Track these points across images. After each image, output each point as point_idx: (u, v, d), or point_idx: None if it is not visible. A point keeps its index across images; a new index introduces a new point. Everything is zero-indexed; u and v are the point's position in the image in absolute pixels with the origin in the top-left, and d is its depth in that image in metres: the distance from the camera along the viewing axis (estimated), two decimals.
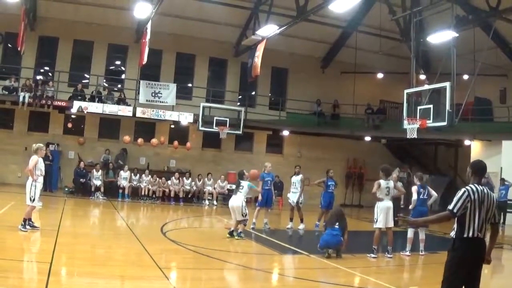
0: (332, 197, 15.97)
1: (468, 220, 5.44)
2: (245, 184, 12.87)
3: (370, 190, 11.76)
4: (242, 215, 12.59)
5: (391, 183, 11.62)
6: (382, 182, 11.45)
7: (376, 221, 11.35)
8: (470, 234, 5.43)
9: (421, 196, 12.03)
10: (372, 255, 11.05)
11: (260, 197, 15.05)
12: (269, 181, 15.24)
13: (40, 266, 8.03)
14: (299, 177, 15.85)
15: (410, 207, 12.39)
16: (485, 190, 5.56)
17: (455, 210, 5.45)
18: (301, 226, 15.65)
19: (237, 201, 12.73)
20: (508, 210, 20.17)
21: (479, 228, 5.44)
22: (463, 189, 5.52)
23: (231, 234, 12.64)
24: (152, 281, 7.85)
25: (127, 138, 23.09)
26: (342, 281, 8.86)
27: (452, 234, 5.59)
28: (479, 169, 5.79)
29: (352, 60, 24.85)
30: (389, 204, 11.46)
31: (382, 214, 11.28)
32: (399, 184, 16.10)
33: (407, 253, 11.63)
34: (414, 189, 12.24)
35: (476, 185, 5.57)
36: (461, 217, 5.48)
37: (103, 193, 20.98)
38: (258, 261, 10.77)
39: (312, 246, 11.37)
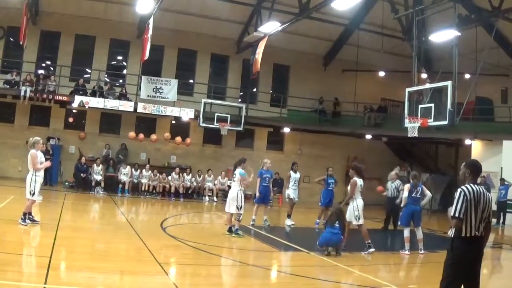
0: (332, 195, 16.03)
1: (465, 220, 5.46)
2: (237, 172, 12.69)
3: (370, 189, 11.83)
4: (237, 207, 12.40)
5: (361, 181, 11.84)
6: (358, 180, 11.60)
7: (359, 218, 11.52)
8: (468, 234, 5.45)
9: (413, 195, 12.04)
10: (370, 250, 11.13)
11: (258, 194, 15.04)
12: (267, 178, 15.19)
13: (39, 260, 8.04)
14: (299, 174, 16.08)
15: (401, 205, 12.48)
16: (481, 189, 5.58)
17: (460, 216, 5.44)
18: (290, 222, 15.73)
19: (232, 191, 12.69)
20: (508, 210, 20.17)
21: (476, 227, 5.47)
22: (459, 190, 5.54)
23: (230, 230, 12.60)
24: (151, 276, 7.86)
25: (132, 134, 23.17)
26: (341, 279, 8.87)
27: (450, 233, 5.61)
28: (478, 169, 5.81)
29: (354, 58, 24.82)
30: (362, 201, 11.73)
31: (361, 211, 11.53)
32: (398, 182, 16.11)
33: (407, 252, 11.63)
34: (406, 187, 12.27)
35: (472, 185, 5.60)
36: None
37: (103, 188, 20.99)
38: (258, 258, 10.76)
39: (312, 244, 11.39)
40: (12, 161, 22.22)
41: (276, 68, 28.08)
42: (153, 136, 23.81)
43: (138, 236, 11.24)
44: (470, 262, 5.51)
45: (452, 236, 5.57)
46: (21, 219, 10.86)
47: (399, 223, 13.40)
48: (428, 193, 12.32)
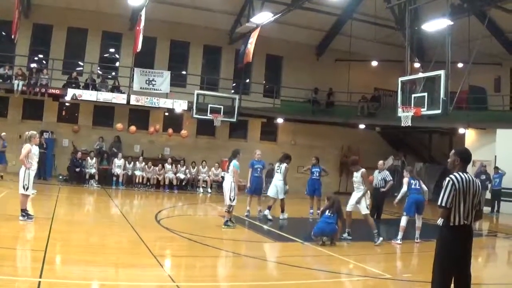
0: (317, 184, 15.90)
1: (453, 209, 5.47)
2: (231, 163, 12.68)
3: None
4: (230, 198, 12.38)
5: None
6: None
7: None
8: (457, 222, 5.47)
9: (413, 186, 12.08)
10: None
11: (248, 184, 15.04)
12: (259, 169, 15.13)
13: (34, 254, 8.02)
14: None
15: (395, 200, 12.58)
16: (470, 178, 5.58)
17: (447, 205, 5.47)
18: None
19: (226, 182, 12.74)
20: (502, 198, 20.26)
21: (465, 216, 5.48)
22: (447, 179, 5.53)
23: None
24: (146, 268, 7.87)
25: (119, 125, 23.14)
26: (336, 269, 8.90)
27: (439, 222, 5.63)
28: (468, 157, 5.80)
29: (347, 48, 24.79)
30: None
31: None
32: (385, 173, 15.90)
33: (398, 241, 11.58)
34: (405, 181, 12.30)
35: (461, 173, 5.59)
36: None
37: (97, 181, 20.99)
38: (252, 249, 10.77)
39: (307, 234, 11.43)
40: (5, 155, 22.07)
41: (269, 59, 28.05)
42: (151, 129, 23.95)
43: (133, 228, 11.24)
44: (460, 250, 5.52)
45: (441, 225, 5.60)
46: (21, 215, 10.79)
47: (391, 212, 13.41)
48: (425, 187, 12.32)
